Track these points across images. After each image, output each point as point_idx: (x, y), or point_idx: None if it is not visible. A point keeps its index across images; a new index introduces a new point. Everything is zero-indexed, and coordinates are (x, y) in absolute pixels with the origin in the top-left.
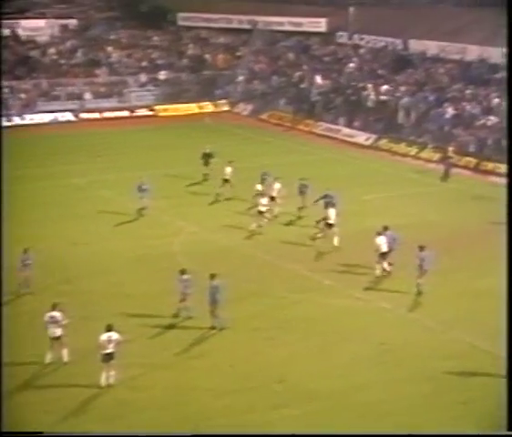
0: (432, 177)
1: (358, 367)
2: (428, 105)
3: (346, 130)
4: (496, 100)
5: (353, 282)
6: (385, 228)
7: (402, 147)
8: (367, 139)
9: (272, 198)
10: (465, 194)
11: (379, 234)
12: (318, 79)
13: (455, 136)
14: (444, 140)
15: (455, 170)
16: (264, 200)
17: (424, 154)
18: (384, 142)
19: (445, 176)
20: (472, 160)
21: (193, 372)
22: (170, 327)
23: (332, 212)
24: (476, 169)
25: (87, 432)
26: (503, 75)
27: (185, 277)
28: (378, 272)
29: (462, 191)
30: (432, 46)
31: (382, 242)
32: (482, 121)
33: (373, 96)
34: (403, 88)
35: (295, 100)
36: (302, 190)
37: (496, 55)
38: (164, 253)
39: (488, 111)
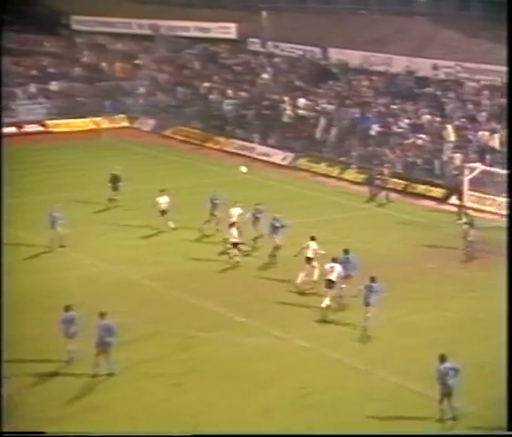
0: (357, 201)
1: (276, 414)
2: (351, 120)
3: (261, 148)
4: (427, 117)
5: (269, 318)
6: (346, 252)
7: (323, 168)
8: (284, 158)
9: (232, 225)
10: (393, 219)
11: (333, 260)
12: (228, 91)
13: (381, 155)
14: (369, 160)
15: (382, 193)
16: (235, 231)
17: (348, 175)
18: (302, 161)
19: (372, 198)
20: (400, 182)
21: (89, 426)
22: (61, 374)
23: (312, 245)
24: (404, 192)
25: (87, 433)
26: (433, 89)
27: (70, 314)
28: (327, 303)
29: (390, 216)
30: (354, 56)
31: (330, 269)
32: (411, 140)
33: (289, 111)
34: (323, 102)
35: (203, 115)
36: (257, 217)
37: (426, 67)
38: (57, 289)
39: (418, 129)
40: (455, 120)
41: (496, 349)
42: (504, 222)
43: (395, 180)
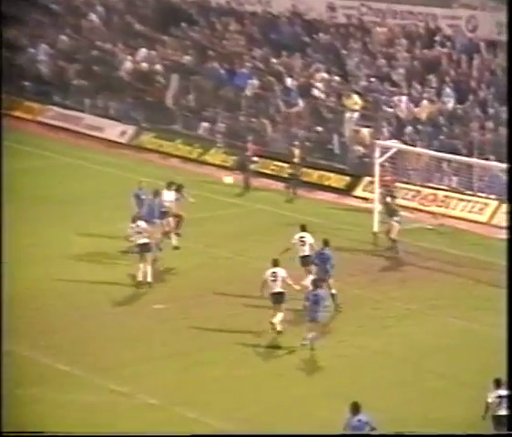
0: (226, 194)
1: None
2: (216, 80)
3: (90, 118)
4: (322, 75)
5: (104, 365)
6: (325, 243)
7: (177, 146)
8: (123, 134)
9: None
10: (276, 219)
11: (275, 263)
12: (44, 39)
13: (258, 129)
14: (241, 135)
15: (260, 182)
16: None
17: (213, 156)
18: (148, 138)
19: (247, 189)
20: (284, 166)
21: None
22: None
23: (308, 238)
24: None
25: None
26: (330, 38)
27: None
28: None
29: (272, 215)
30: None
31: (272, 277)
32: (299, 107)
33: (129, 65)
34: (175, 54)
35: (9, 72)
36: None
37: (318, 7)
38: None
39: (307, 92)
40: (360, 80)
41: (417, 397)
42: (433, 224)
43: (278, 164)
